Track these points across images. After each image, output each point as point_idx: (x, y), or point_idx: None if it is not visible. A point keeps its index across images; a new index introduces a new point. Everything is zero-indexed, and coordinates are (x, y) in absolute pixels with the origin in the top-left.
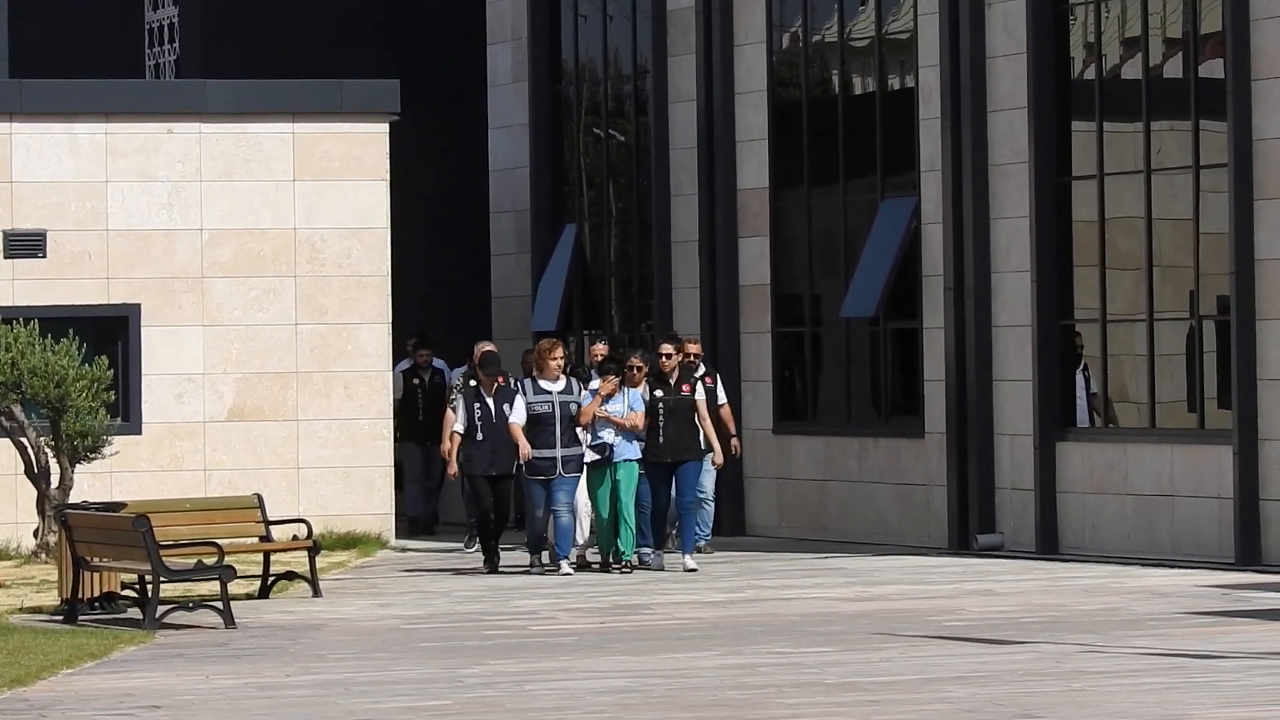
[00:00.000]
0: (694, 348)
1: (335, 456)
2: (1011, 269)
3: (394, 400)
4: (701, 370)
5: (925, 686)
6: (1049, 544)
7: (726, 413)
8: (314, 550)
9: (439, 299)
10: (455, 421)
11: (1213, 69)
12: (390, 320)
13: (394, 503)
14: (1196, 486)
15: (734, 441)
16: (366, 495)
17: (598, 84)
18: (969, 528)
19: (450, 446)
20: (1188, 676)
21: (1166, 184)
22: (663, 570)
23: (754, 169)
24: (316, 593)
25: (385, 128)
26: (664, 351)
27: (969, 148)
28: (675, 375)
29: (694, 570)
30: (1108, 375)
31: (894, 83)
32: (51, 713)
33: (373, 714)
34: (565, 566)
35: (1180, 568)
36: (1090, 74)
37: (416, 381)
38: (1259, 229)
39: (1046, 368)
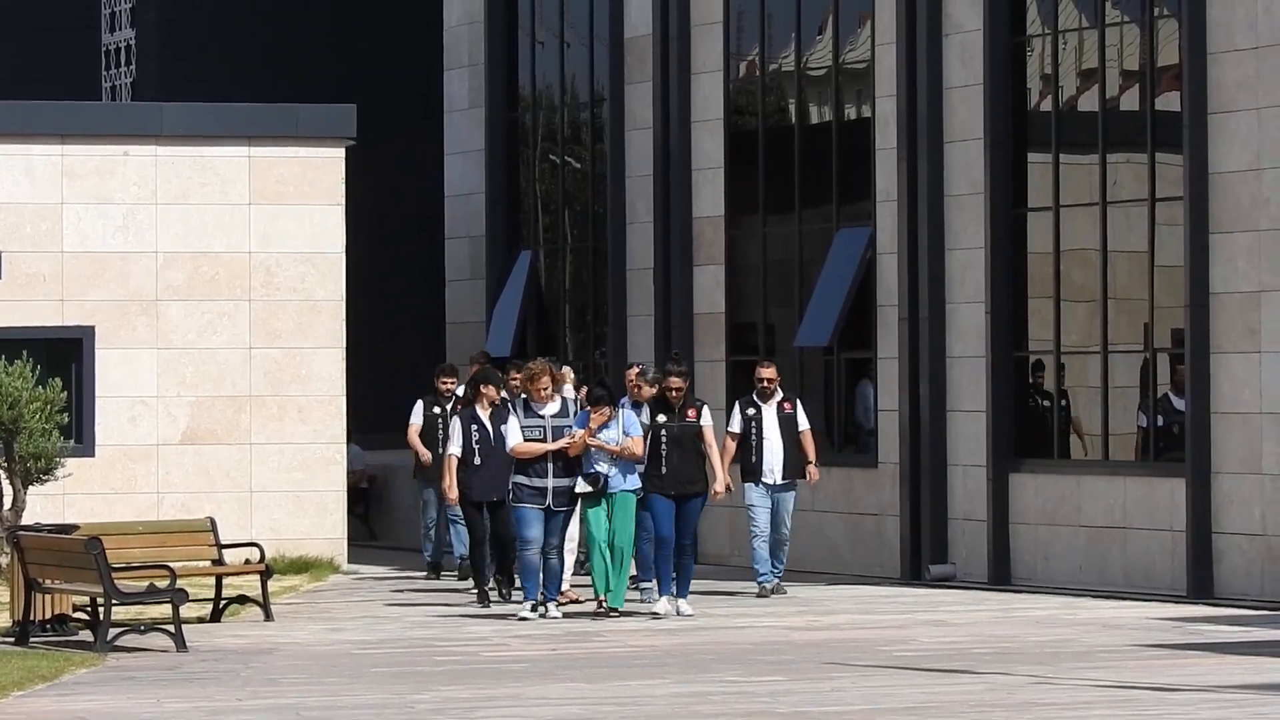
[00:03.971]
0: (769, 372)
1: (288, 480)
2: (966, 300)
3: (414, 429)
4: (780, 395)
5: (876, 717)
6: (1001, 575)
7: (808, 438)
8: (266, 574)
9: (393, 324)
10: (451, 444)
11: (1169, 102)
12: (344, 345)
13: (346, 527)
14: (1149, 519)
15: (811, 468)
16: (319, 519)
17: (554, 111)
18: (921, 558)
19: (448, 470)
20: (1139, 709)
21: (1122, 216)
22: (676, 615)
23: (710, 197)
24: (268, 617)
25: (341, 152)
26: (673, 386)
27: (925, 178)
28: (680, 401)
29: (690, 615)
30: (1062, 406)
31: (850, 112)
32: None
33: None
34: (553, 610)
35: (1132, 600)
36: (1047, 106)
37: (437, 410)
38: (1214, 262)
39: (1000, 399)
